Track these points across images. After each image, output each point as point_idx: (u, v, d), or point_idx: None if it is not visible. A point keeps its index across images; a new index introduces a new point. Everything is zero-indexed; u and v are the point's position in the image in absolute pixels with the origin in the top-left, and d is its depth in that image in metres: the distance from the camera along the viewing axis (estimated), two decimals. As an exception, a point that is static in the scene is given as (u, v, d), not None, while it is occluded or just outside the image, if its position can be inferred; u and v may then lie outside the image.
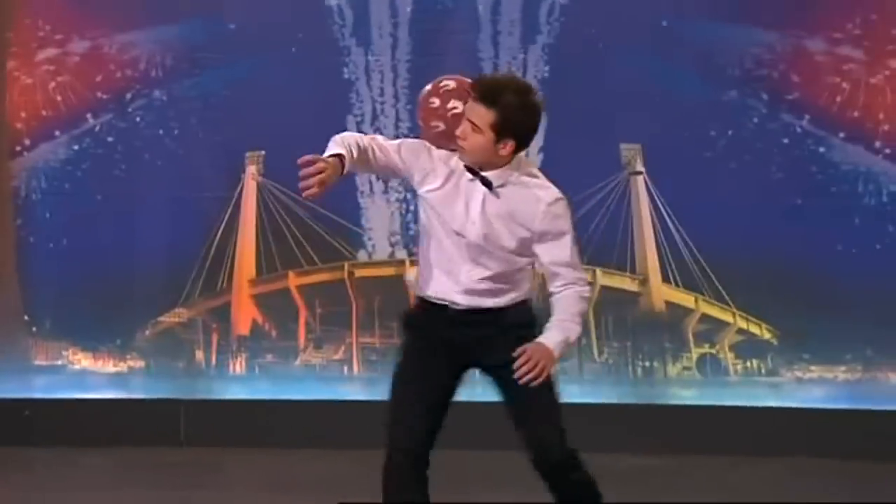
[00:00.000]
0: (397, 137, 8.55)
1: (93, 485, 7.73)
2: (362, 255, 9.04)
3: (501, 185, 4.51)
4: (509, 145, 4.46)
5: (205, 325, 9.02)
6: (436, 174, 4.54)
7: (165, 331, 9.04)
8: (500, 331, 4.58)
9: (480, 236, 4.51)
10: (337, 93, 8.91)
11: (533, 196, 4.53)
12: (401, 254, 9.02)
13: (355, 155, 4.40)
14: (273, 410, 8.76)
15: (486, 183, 4.51)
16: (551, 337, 4.43)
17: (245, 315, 9.03)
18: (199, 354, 9.02)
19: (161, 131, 8.96)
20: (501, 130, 4.40)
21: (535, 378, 4.37)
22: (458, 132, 4.44)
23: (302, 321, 9.03)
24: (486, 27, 8.97)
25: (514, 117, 4.40)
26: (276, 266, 9.02)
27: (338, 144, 4.41)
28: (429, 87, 4.65)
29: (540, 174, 4.71)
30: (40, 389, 8.88)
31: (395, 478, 4.48)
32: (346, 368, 9.00)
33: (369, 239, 9.03)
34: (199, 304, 8.98)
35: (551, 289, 4.60)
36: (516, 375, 4.37)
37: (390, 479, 4.51)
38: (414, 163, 4.57)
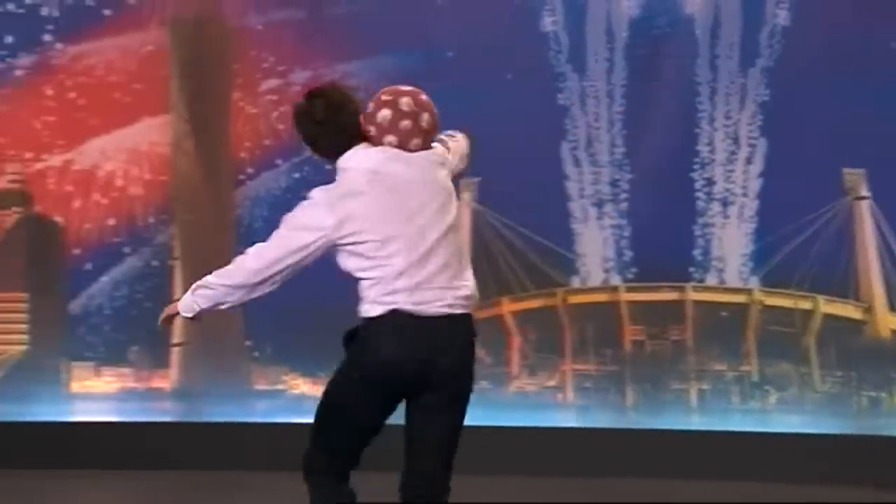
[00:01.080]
0: (612, 163, 8.88)
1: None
2: (575, 282, 8.98)
3: None
4: None
5: (419, 352, 9.02)
6: None
7: (383, 356, 9.04)
8: None
9: None
10: (552, 119, 8.90)
11: None
12: (615, 280, 8.93)
13: None
14: (486, 436, 8.47)
15: None
16: None
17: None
18: (415, 380, 9.02)
19: (379, 159, 9.01)
20: None
21: None
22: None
23: (515, 347, 9.00)
24: (704, 51, 8.86)
25: None
26: (489, 292, 8.93)
27: None
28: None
29: None
30: (259, 414, 9.02)
31: None
32: (559, 395, 8.94)
33: (582, 265, 8.97)
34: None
35: None
36: None
37: None
38: None
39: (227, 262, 4.27)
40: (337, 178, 4.24)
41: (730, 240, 8.84)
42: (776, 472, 8.14)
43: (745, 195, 8.83)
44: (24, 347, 9.36)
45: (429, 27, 8.99)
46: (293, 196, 8.86)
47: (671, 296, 8.83)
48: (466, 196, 9.00)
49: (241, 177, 9.26)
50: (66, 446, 8.81)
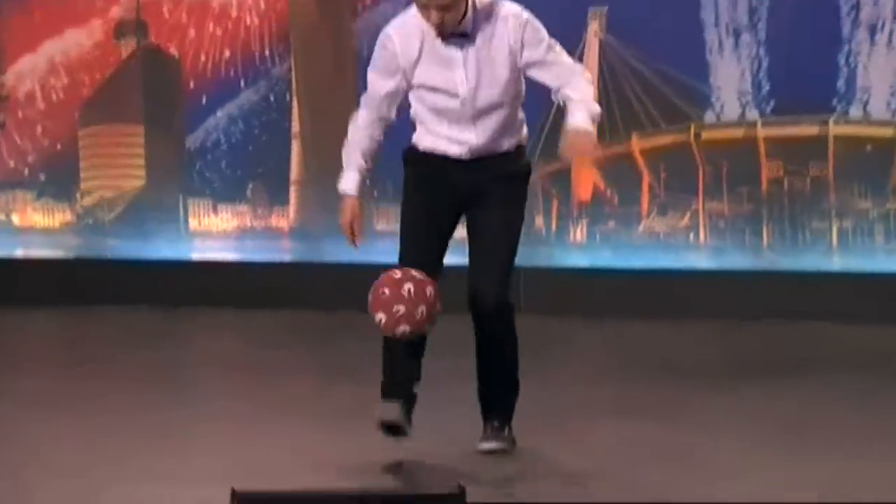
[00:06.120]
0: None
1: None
2: (710, 117, 8.61)
3: (473, 31, 4.61)
4: None
5: (544, 191, 8.77)
6: (411, 59, 4.65)
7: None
8: (498, 177, 4.77)
9: (475, 95, 4.66)
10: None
11: (497, 19, 4.62)
12: (752, 114, 8.52)
13: (369, 163, 4.84)
14: (614, 279, 8.46)
15: (464, 35, 4.61)
16: (581, 118, 4.59)
17: (586, 180, 8.76)
18: (539, 220, 8.77)
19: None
20: None
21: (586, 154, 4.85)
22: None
23: (645, 187, 8.72)
24: None
25: None
26: (618, 129, 8.63)
27: (351, 170, 4.84)
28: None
29: None
30: (380, 254, 8.63)
31: None
32: (691, 236, 8.66)
33: (717, 99, 8.58)
34: (538, 169, 8.48)
35: (559, 88, 4.68)
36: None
37: None
38: (400, 75, 4.70)
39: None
40: None
41: (876, 69, 8.35)
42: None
43: (895, 19, 8.31)
44: (141, 182, 9.33)
45: None
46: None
47: (812, 130, 8.42)
48: (595, 26, 8.65)
49: (360, 6, 8.95)
50: (184, 284, 8.80)
